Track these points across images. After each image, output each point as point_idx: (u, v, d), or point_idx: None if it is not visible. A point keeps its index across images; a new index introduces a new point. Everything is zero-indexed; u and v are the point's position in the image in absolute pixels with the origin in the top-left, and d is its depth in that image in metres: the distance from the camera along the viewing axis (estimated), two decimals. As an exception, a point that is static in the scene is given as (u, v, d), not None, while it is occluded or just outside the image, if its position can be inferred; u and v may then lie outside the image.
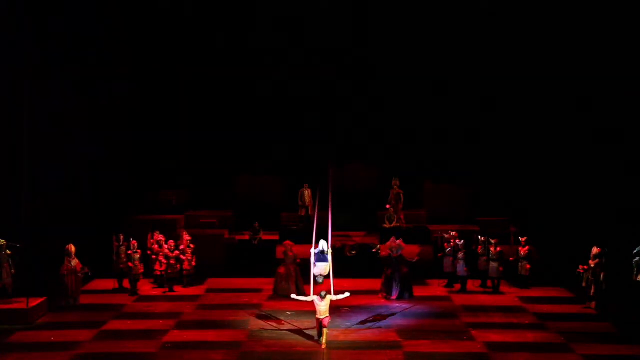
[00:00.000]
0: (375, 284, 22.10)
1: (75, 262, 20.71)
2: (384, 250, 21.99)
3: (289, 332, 18.51)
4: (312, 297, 17.94)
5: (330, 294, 17.98)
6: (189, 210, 27.61)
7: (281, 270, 21.90)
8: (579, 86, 24.96)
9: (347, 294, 18.40)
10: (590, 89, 24.70)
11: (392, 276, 21.54)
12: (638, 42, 23.70)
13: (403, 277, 21.50)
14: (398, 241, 21.88)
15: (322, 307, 17.66)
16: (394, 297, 21.36)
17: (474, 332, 18.34)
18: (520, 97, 26.75)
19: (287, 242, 22.52)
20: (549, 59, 25.89)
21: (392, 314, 19.96)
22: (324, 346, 17.37)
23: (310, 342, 17.64)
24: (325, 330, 17.56)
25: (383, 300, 21.27)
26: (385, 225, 25.87)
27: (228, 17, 28.04)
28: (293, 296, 18.97)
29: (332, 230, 18.76)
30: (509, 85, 26.90)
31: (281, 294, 21.59)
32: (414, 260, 22.02)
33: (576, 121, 25.19)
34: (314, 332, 18.17)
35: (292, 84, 28.32)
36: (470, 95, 27.83)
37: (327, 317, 17.66)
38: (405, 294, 21.41)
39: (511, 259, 22.52)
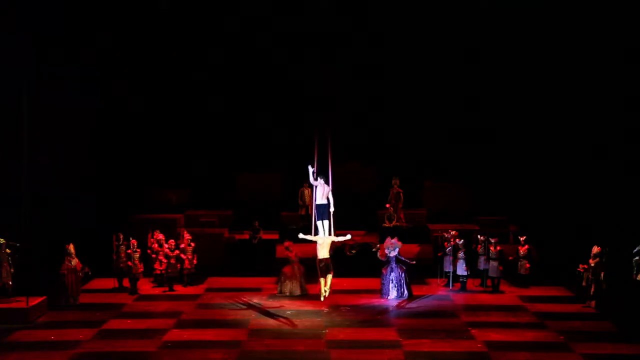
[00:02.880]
0: (375, 283, 22.07)
1: (75, 261, 20.72)
2: (381, 251, 21.96)
3: (289, 332, 18.51)
4: (315, 237, 18.47)
5: (331, 235, 18.65)
6: (189, 210, 27.63)
7: (287, 269, 21.87)
8: (578, 86, 24.95)
9: (348, 236, 18.58)
10: (590, 89, 24.70)
11: (388, 276, 21.46)
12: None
13: (400, 277, 21.38)
14: (393, 240, 21.75)
15: (323, 247, 18.44)
16: (391, 297, 21.29)
17: (473, 332, 18.34)
18: (519, 96, 26.76)
19: (288, 242, 22.48)
20: (549, 59, 25.89)
21: (392, 313, 19.96)
22: (326, 294, 18.47)
23: (310, 341, 17.64)
24: (329, 279, 18.46)
25: (383, 300, 21.24)
26: (385, 225, 25.89)
27: (228, 18, 28.09)
28: (300, 235, 19.27)
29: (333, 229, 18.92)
30: (508, 85, 26.91)
31: (284, 294, 21.59)
32: (413, 263, 21.93)
33: (576, 121, 25.17)
34: (314, 331, 18.25)
35: (292, 83, 28.31)
36: (469, 95, 27.84)
37: (327, 257, 18.36)
38: (403, 294, 21.33)
39: (510, 258, 22.52)
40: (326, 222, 18.73)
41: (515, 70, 26.63)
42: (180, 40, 28.47)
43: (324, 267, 18.73)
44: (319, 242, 18.69)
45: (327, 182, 18.93)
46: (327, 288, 18.94)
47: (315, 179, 18.95)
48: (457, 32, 27.43)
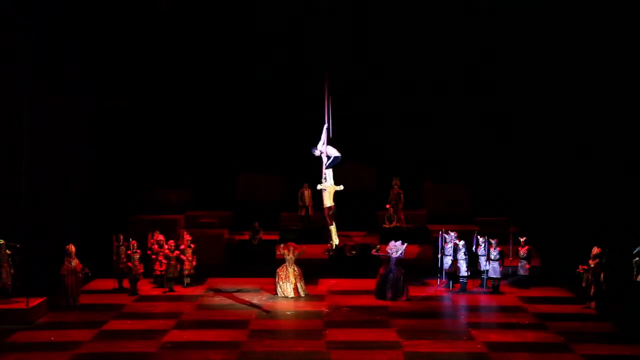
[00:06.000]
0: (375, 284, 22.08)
1: (75, 262, 20.71)
2: (383, 251, 21.90)
3: (288, 332, 18.52)
4: (320, 186, 19.49)
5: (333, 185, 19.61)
6: (189, 210, 27.62)
7: (280, 270, 21.85)
8: (578, 86, 24.95)
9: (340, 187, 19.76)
10: (590, 89, 24.70)
11: (385, 277, 21.36)
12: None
13: (398, 279, 21.26)
14: (398, 242, 21.64)
15: (328, 195, 19.34)
16: (388, 297, 21.19)
17: (473, 332, 18.34)
18: (519, 96, 26.76)
19: (291, 243, 22.44)
20: (548, 59, 25.89)
21: (392, 314, 19.95)
22: (334, 243, 19.48)
23: (310, 342, 17.64)
24: (333, 229, 19.27)
25: (382, 301, 21.18)
26: (385, 225, 25.88)
27: (229, 22, 28.13)
28: (319, 186, 19.93)
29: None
30: (508, 84, 26.92)
31: (281, 295, 21.58)
32: (403, 244, 21.67)
33: (576, 121, 25.18)
34: (314, 332, 18.26)
35: (292, 84, 28.31)
36: (469, 94, 27.85)
37: (332, 205, 19.22)
38: (399, 296, 21.23)
39: (510, 259, 22.52)
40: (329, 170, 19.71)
41: (515, 71, 26.63)
42: (180, 40, 28.46)
43: (333, 215, 19.47)
44: (322, 190, 19.59)
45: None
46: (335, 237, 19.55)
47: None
48: (457, 32, 27.43)
